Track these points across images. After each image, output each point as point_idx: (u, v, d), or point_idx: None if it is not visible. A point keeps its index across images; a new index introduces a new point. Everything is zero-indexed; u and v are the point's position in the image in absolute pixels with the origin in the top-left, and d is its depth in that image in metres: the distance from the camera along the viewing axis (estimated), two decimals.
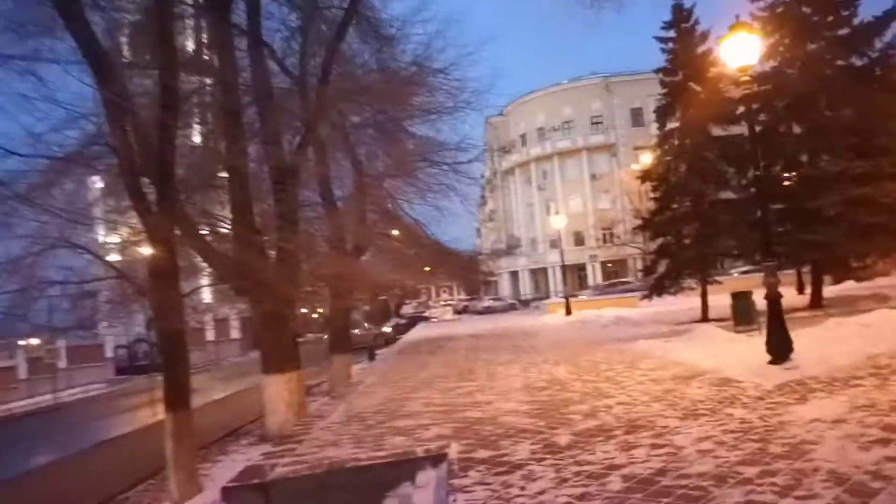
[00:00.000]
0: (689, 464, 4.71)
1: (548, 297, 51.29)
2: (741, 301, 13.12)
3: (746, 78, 8.62)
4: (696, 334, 12.77)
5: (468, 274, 22.94)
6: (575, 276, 54.50)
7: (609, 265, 55.04)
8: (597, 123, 58.87)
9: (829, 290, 19.44)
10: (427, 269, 22.85)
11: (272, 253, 11.85)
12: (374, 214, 19.85)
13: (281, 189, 12.96)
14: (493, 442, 6.31)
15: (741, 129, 18.48)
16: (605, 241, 54.70)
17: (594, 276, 55.19)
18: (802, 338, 9.12)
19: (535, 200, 60.25)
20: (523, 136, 61.55)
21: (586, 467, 4.96)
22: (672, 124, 19.20)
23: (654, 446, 5.37)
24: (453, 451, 6.08)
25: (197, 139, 15.15)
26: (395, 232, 19.66)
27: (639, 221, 45.64)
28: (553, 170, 59.48)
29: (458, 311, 58.90)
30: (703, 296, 18.42)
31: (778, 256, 9.42)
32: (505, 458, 5.57)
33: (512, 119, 61.34)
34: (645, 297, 19.77)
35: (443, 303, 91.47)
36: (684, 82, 18.78)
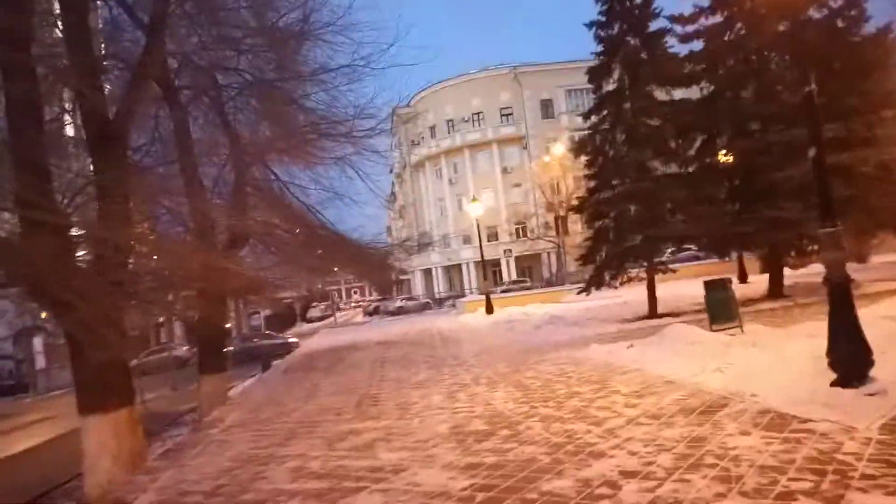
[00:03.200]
0: None
1: (463, 294, 48.55)
2: (717, 292, 10.34)
3: None
4: (667, 336, 9.79)
5: (379, 271, 19.60)
6: (490, 272, 52.02)
7: (523, 260, 52.99)
8: (507, 115, 56.82)
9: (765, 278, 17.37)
10: (334, 267, 19.44)
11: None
12: (255, 199, 16.22)
13: (100, 152, 9.51)
14: None
15: (686, 92, 16.20)
16: (518, 236, 52.69)
17: (509, 271, 52.95)
18: (817, 338, 6.23)
19: (447, 195, 57.53)
20: (432, 128, 58.68)
21: None
22: (608, 87, 16.22)
23: None
24: None
25: None
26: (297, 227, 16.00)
27: (551, 215, 44.24)
28: (464, 163, 56.99)
29: (368, 313, 55.19)
30: (651, 288, 15.72)
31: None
32: None
33: (420, 111, 58.21)
34: (582, 290, 16.94)
35: (353, 304, 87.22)
36: (621, 36, 15.85)
